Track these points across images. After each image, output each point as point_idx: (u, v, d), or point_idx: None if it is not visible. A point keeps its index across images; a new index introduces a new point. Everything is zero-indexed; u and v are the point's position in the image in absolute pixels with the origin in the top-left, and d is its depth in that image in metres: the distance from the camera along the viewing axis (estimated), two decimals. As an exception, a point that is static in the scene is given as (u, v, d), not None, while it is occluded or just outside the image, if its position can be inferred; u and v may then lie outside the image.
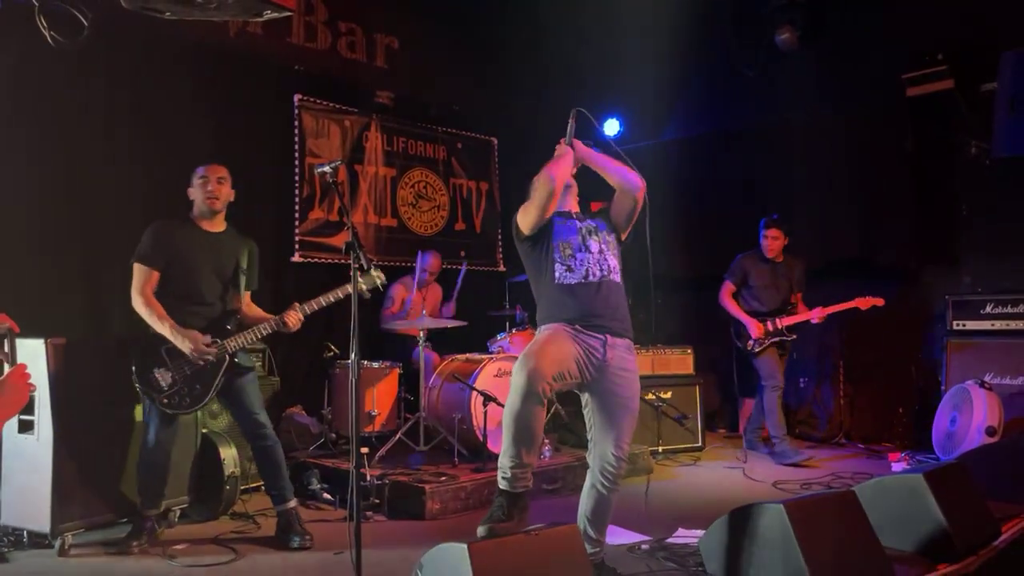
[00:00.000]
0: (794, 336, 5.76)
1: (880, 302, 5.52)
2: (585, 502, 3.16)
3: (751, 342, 5.69)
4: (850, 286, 6.01)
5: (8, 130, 4.33)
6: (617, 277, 3.15)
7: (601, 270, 3.10)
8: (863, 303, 5.54)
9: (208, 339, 3.61)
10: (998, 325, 5.55)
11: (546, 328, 3.07)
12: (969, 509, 3.39)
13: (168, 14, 2.58)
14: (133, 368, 3.60)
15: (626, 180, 3.16)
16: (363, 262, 2.90)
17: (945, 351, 5.68)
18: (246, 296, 3.92)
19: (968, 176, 5.89)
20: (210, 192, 3.70)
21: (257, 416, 3.75)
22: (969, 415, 5.02)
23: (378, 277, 3.90)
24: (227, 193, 3.77)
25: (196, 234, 3.74)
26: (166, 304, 3.62)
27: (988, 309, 5.61)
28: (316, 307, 3.80)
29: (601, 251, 3.14)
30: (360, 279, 3.79)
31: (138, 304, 3.59)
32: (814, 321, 5.66)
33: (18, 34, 3.98)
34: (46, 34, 2.69)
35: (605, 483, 3.08)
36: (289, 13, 2.76)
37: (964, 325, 5.69)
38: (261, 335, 3.75)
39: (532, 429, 2.84)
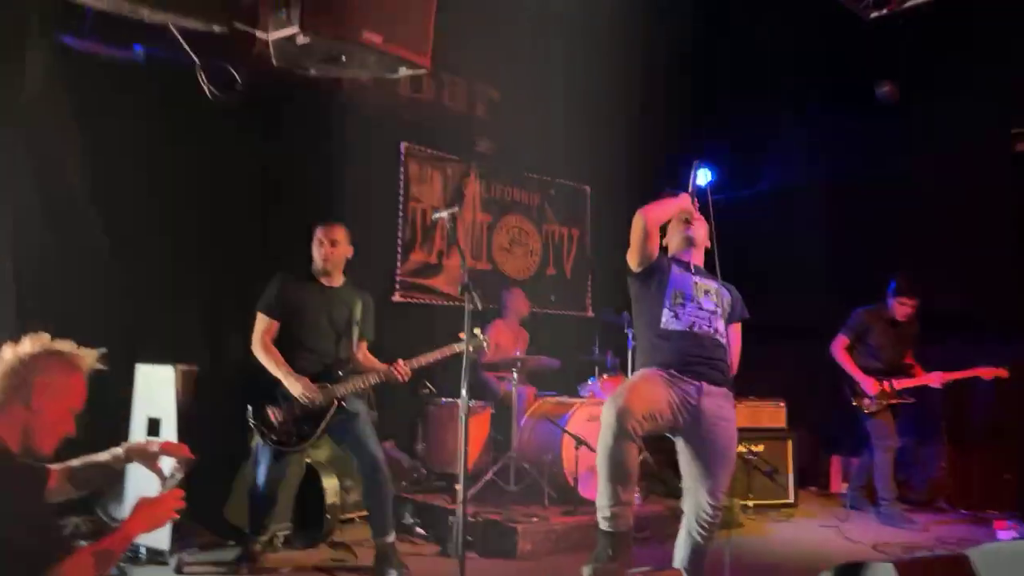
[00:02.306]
0: (912, 400, 5.53)
1: (1004, 373, 5.38)
2: (680, 550, 3.16)
3: (867, 401, 5.48)
4: (957, 347, 5.82)
5: (151, 171, 4.70)
6: (723, 340, 3.16)
7: (710, 326, 3.12)
8: (986, 373, 5.40)
9: (315, 387, 3.79)
10: (1117, 393, 5.28)
11: (639, 373, 3.11)
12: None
13: (313, 71, 2.81)
14: (249, 406, 3.81)
15: None
16: (478, 303, 3.03)
17: (1057, 417, 5.42)
18: (362, 345, 4.14)
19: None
20: (323, 254, 3.97)
21: (373, 452, 3.91)
22: (1083, 485, 4.76)
23: (485, 341, 4.11)
24: (341, 253, 4.01)
25: (314, 289, 4.00)
26: (284, 350, 3.86)
27: (1107, 377, 5.34)
28: (423, 363, 4.02)
29: (714, 312, 3.16)
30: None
31: (257, 350, 3.85)
32: (934, 386, 5.47)
33: (162, 85, 4.41)
34: (206, 88, 2.98)
35: (701, 531, 3.08)
36: (423, 71, 2.96)
37: (1080, 392, 5.43)
38: (370, 383, 3.97)
39: (626, 466, 2.86)
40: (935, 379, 5.44)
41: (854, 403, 5.56)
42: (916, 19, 5.99)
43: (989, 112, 6.02)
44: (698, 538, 3.09)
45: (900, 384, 5.48)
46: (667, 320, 3.11)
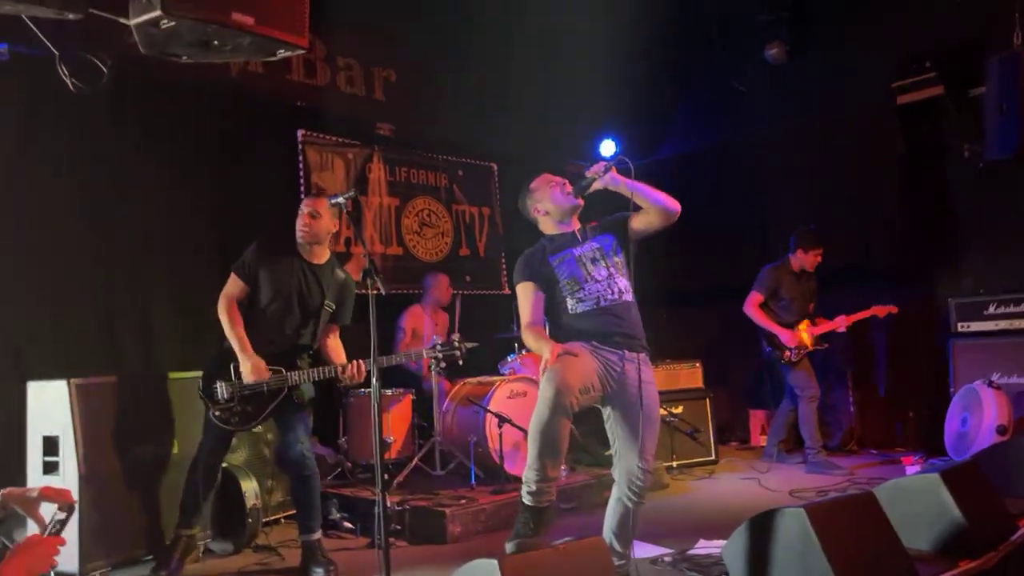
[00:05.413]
0: (826, 345, 5.82)
1: (894, 310, 5.74)
2: (611, 516, 3.18)
3: (789, 352, 5.68)
4: (852, 294, 6.09)
5: (26, 168, 4.42)
6: (629, 297, 3.18)
7: (612, 294, 3.13)
8: (880, 311, 5.73)
9: (267, 370, 3.62)
10: (1002, 325, 5.61)
11: (566, 347, 3.08)
12: (986, 506, 3.42)
13: (185, 58, 2.66)
14: (201, 374, 3.68)
15: (668, 206, 3.20)
16: (381, 288, 2.96)
17: (952, 353, 5.73)
18: (333, 330, 3.92)
19: (962, 178, 5.98)
20: (301, 224, 3.78)
21: (302, 447, 3.76)
22: (979, 415, 5.06)
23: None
24: (322, 226, 3.78)
25: (293, 261, 3.79)
26: (249, 319, 3.70)
27: (991, 310, 5.67)
28: (384, 365, 3.61)
29: (610, 275, 3.15)
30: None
31: (220, 308, 3.68)
32: (839, 330, 5.77)
33: (31, 79, 4.13)
34: (67, 81, 2.78)
35: (632, 496, 3.10)
36: (303, 51, 2.84)
37: (968, 327, 5.75)
38: (323, 376, 3.75)
39: (558, 442, 2.86)
40: (840, 323, 5.75)
41: (777, 356, 5.75)
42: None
43: (871, 66, 6.26)
44: (628, 502, 3.12)
45: (812, 332, 5.71)
46: (573, 306, 3.13)
